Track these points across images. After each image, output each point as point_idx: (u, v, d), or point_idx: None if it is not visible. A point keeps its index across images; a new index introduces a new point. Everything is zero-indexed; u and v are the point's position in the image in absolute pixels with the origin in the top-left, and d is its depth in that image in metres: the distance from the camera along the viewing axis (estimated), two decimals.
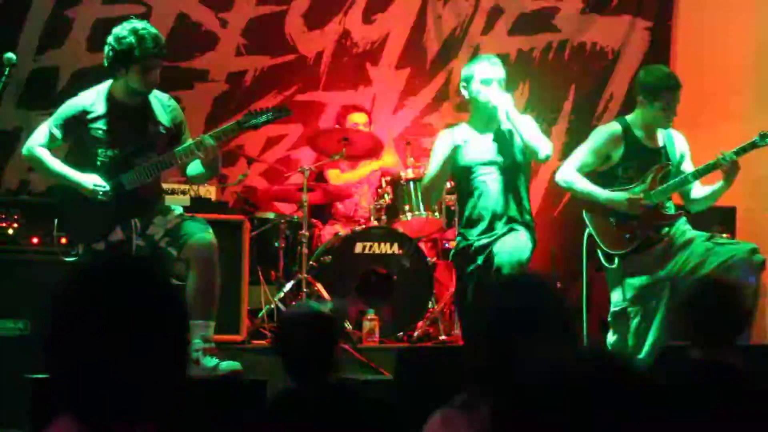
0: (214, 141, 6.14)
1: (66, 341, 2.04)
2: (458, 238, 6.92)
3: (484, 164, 6.71)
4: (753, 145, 6.67)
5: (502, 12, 9.86)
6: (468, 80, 6.75)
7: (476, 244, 6.67)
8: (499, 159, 6.71)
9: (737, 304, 4.60)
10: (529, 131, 6.61)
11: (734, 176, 6.65)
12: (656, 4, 10.01)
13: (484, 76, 6.69)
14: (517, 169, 6.74)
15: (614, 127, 6.92)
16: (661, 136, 6.88)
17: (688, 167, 6.90)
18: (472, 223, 6.73)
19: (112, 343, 2.02)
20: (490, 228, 6.66)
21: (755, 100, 8.90)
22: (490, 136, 6.77)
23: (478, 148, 6.72)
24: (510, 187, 6.70)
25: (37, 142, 6.19)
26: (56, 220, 6.36)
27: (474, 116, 6.86)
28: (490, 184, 6.69)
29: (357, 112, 8.93)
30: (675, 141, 6.90)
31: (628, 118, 6.92)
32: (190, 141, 6.23)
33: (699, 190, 6.95)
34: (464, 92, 6.79)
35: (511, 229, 6.62)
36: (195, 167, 6.35)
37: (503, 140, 6.74)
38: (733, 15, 9.16)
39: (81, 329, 2.03)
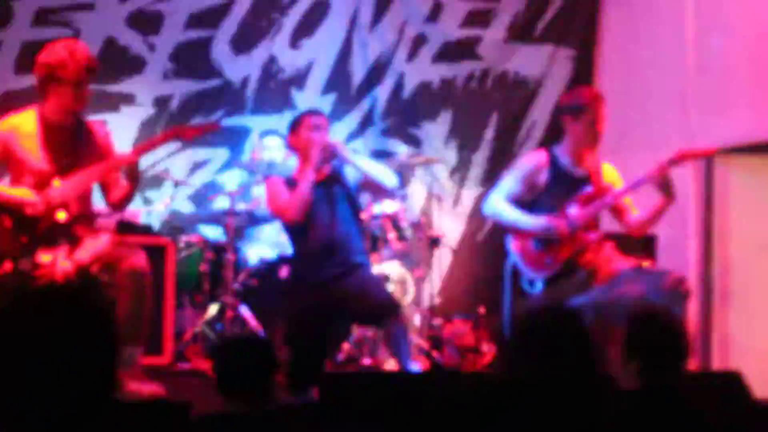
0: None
1: None
2: None
3: None
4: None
5: (426, 40, 9.95)
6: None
7: None
8: None
9: (677, 331, 4.55)
10: None
11: (670, 188, 6.54)
12: (580, 33, 10.12)
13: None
14: None
15: (539, 154, 6.90)
16: (589, 165, 6.82)
17: None
18: None
19: (37, 366, 2.04)
20: None
21: (676, 130, 9.02)
22: None
23: None
24: None
25: None
26: None
27: None
28: None
29: (270, 136, 8.86)
30: (605, 170, 6.86)
31: (556, 147, 6.85)
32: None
33: (636, 216, 6.86)
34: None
35: None
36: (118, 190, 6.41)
37: None
38: (657, 46, 9.29)
39: (5, 351, 2.04)
